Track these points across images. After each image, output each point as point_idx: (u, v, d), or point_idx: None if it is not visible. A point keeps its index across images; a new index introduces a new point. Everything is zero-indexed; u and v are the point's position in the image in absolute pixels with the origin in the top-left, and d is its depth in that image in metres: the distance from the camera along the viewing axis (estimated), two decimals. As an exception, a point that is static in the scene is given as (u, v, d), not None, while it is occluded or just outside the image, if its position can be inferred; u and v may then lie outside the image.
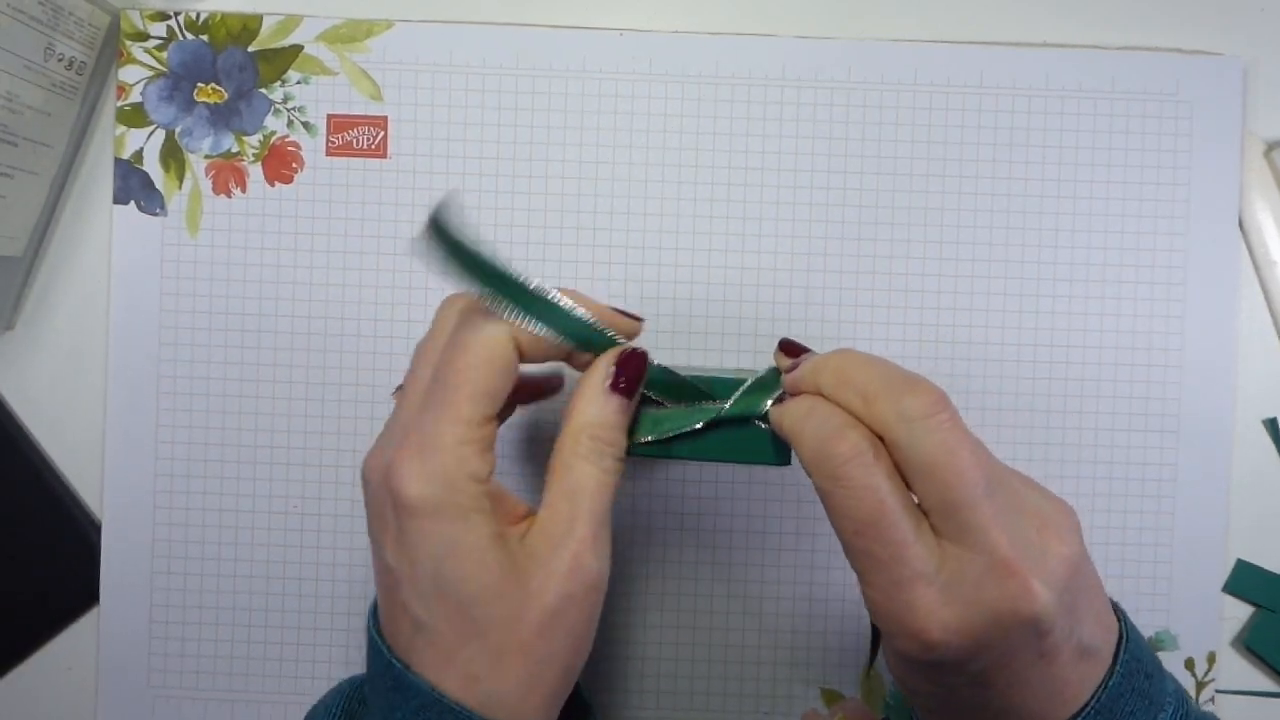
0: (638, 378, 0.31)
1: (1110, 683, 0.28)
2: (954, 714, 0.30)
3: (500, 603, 0.28)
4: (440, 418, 0.29)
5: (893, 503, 0.28)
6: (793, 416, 0.31)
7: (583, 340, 0.31)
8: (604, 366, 0.31)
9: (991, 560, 0.27)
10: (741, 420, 0.32)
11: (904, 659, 0.29)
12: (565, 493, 0.30)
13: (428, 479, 0.28)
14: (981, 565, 0.27)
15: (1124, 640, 0.29)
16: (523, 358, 0.30)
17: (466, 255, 0.30)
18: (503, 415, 0.32)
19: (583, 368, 0.32)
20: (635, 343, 0.32)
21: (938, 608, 0.27)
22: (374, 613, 0.31)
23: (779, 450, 0.33)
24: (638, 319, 0.33)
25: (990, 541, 0.27)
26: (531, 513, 0.31)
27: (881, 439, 0.29)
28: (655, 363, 0.32)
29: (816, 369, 0.31)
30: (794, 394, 0.32)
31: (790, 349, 0.33)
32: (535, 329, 0.30)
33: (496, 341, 0.29)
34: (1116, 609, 0.31)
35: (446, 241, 0.30)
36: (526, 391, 0.35)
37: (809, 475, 0.30)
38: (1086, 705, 0.28)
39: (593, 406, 0.30)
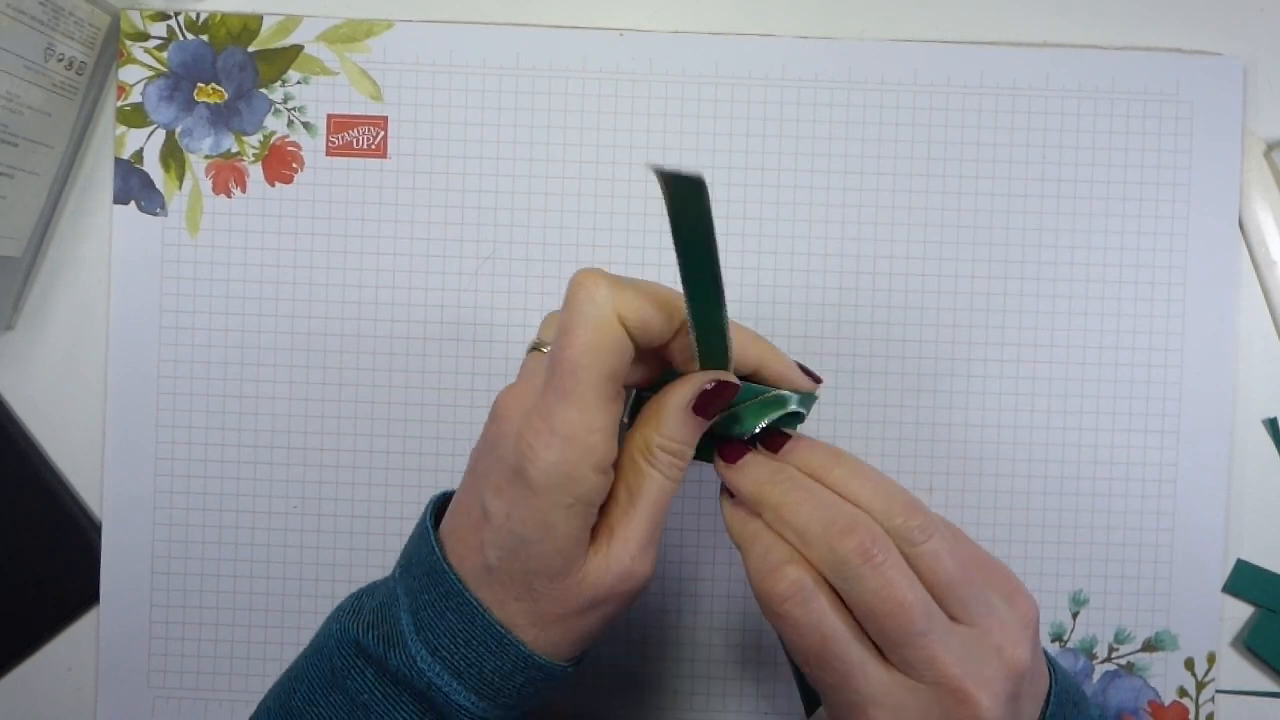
0: (721, 408, 0.31)
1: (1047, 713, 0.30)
2: None
3: (558, 582, 0.30)
4: (568, 405, 0.29)
5: (837, 635, 0.29)
6: (737, 534, 0.32)
7: (708, 351, 0.31)
8: (695, 386, 0.31)
9: (939, 689, 0.28)
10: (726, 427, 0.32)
11: None
12: (630, 494, 0.31)
13: (552, 466, 0.29)
14: (929, 693, 0.28)
15: (1052, 681, 0.31)
16: (631, 330, 0.30)
17: (696, 219, 0.28)
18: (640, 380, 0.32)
19: (674, 357, 0.32)
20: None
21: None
22: (434, 513, 0.33)
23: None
24: (817, 380, 0.33)
25: (937, 671, 0.28)
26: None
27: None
28: None
29: (758, 494, 0.31)
30: (743, 501, 0.32)
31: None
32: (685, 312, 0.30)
33: (604, 323, 0.29)
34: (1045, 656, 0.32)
35: (690, 199, 0.28)
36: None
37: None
38: None
39: (673, 420, 0.31)
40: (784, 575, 0.29)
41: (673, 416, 0.30)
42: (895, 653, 0.29)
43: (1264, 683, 0.43)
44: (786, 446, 0.32)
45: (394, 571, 0.33)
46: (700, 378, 0.31)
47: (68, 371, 0.43)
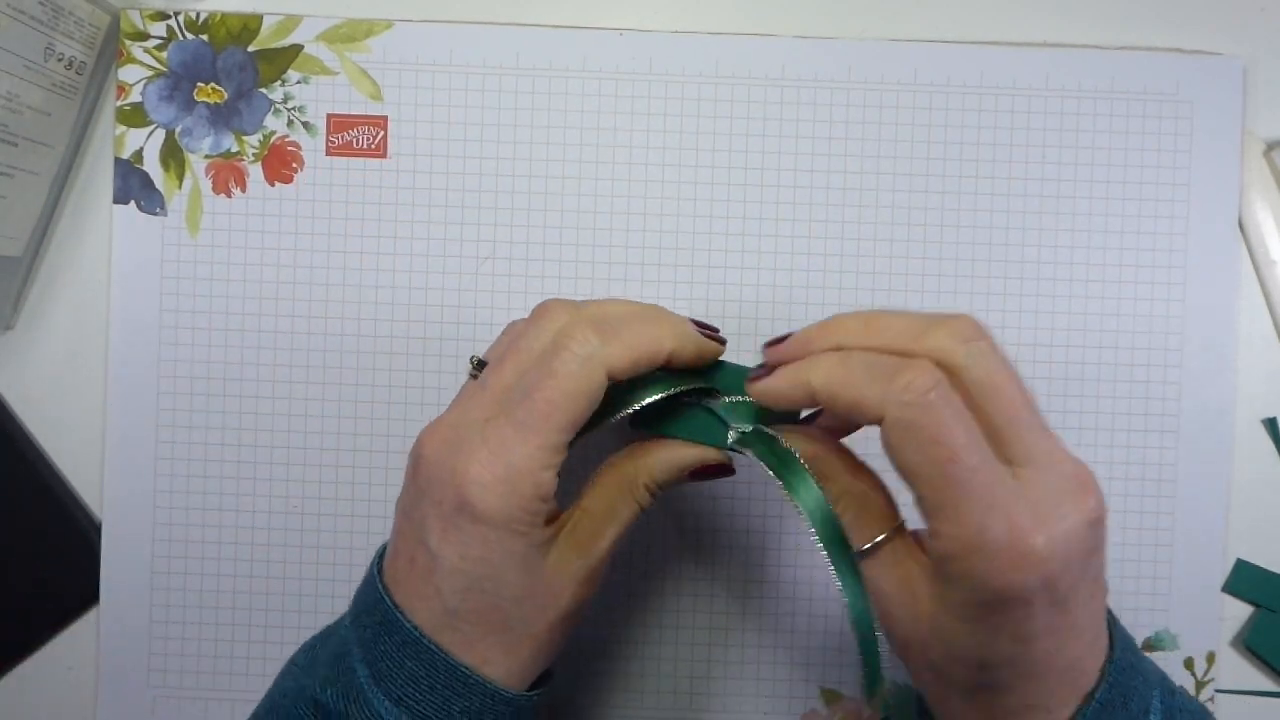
0: (706, 478, 0.33)
1: (1115, 654, 0.29)
2: (990, 675, 0.29)
3: (529, 603, 0.30)
4: (526, 440, 0.29)
5: (975, 426, 0.28)
6: (826, 367, 0.30)
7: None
8: (699, 458, 0.33)
9: (1063, 476, 0.28)
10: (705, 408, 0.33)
11: (980, 601, 0.27)
12: (604, 514, 0.32)
13: (503, 496, 0.29)
14: (1055, 483, 0.27)
15: (1114, 632, 0.30)
16: (612, 379, 0.30)
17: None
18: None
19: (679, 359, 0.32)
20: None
21: (1032, 526, 0.27)
22: (381, 562, 0.32)
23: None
24: (720, 341, 0.34)
25: (1057, 457, 0.28)
26: (558, 512, 0.32)
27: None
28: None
29: (828, 328, 0.31)
30: (794, 359, 0.31)
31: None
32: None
33: (592, 378, 0.30)
34: None
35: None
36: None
37: (860, 422, 0.29)
38: (1104, 672, 0.29)
39: (668, 476, 0.33)
40: (918, 367, 0.28)
41: (669, 474, 0.33)
42: (1019, 439, 0.28)
43: (1264, 683, 0.43)
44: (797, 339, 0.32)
45: (344, 619, 0.33)
46: (708, 454, 0.33)
47: (68, 371, 0.43)
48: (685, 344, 0.32)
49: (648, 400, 0.32)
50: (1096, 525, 0.28)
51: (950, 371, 0.28)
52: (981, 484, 0.27)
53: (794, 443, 0.32)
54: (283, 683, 0.33)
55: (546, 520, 0.31)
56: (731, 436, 0.33)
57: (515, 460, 0.29)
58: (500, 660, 0.30)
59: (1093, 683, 0.29)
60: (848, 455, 0.32)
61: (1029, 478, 0.28)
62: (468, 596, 0.30)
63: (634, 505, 0.33)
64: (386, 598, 0.31)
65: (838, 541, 0.31)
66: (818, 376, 0.30)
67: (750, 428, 0.33)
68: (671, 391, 0.33)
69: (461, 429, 0.30)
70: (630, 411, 0.32)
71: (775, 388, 0.31)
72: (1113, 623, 0.31)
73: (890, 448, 0.28)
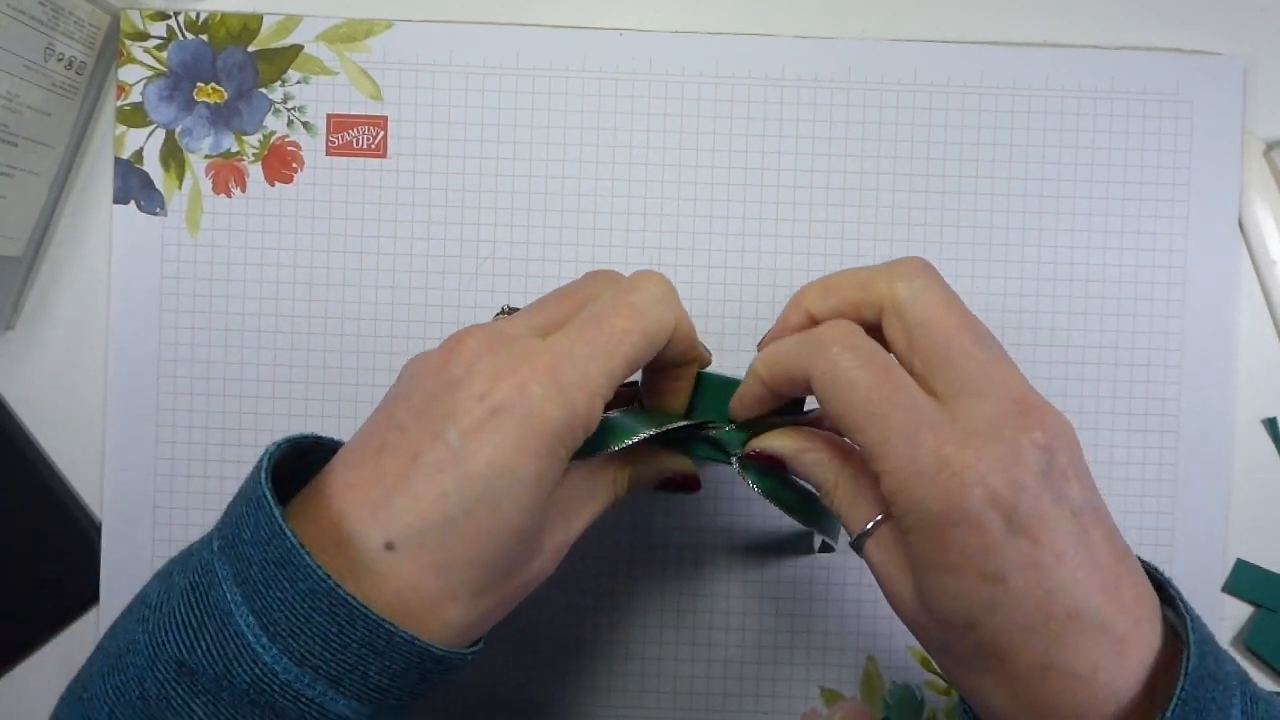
0: (674, 489, 0.34)
1: (1189, 664, 0.26)
2: (983, 632, 0.27)
3: (517, 545, 0.28)
4: (594, 358, 0.28)
5: (895, 362, 0.29)
6: (765, 356, 0.31)
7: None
8: (676, 465, 0.34)
9: (1006, 401, 0.27)
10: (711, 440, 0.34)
11: (933, 539, 0.27)
12: (585, 495, 0.31)
13: (561, 407, 0.27)
14: (993, 408, 0.27)
15: (1186, 613, 0.28)
16: (669, 347, 0.31)
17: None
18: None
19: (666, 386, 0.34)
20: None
21: (959, 446, 0.26)
22: (275, 502, 0.27)
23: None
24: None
25: (1005, 386, 0.28)
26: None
27: (879, 318, 0.30)
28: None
29: (796, 303, 0.32)
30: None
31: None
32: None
33: (664, 320, 0.30)
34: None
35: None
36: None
37: (811, 390, 0.29)
38: (1180, 683, 0.26)
39: (648, 472, 0.33)
40: (831, 326, 0.29)
41: (649, 474, 0.33)
42: (957, 368, 0.28)
43: (1264, 683, 0.43)
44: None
45: (207, 552, 0.27)
46: (687, 466, 0.34)
47: (68, 371, 0.43)
48: (689, 335, 0.33)
49: (653, 432, 0.32)
50: (1049, 450, 0.27)
51: (894, 312, 0.29)
52: (903, 416, 0.27)
53: (785, 438, 0.32)
54: (130, 634, 0.27)
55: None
56: (735, 467, 0.33)
57: (578, 376, 0.27)
58: (463, 603, 0.27)
59: (1149, 648, 0.27)
60: (839, 445, 0.32)
61: (961, 405, 0.28)
62: (474, 511, 0.26)
63: (611, 495, 0.32)
64: (291, 536, 0.26)
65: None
66: (761, 368, 0.31)
67: (740, 452, 0.33)
68: (672, 426, 0.33)
69: (510, 337, 0.28)
70: (632, 442, 0.32)
71: (742, 395, 0.33)
72: (1188, 617, 0.27)
73: (823, 406, 0.29)
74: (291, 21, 0.43)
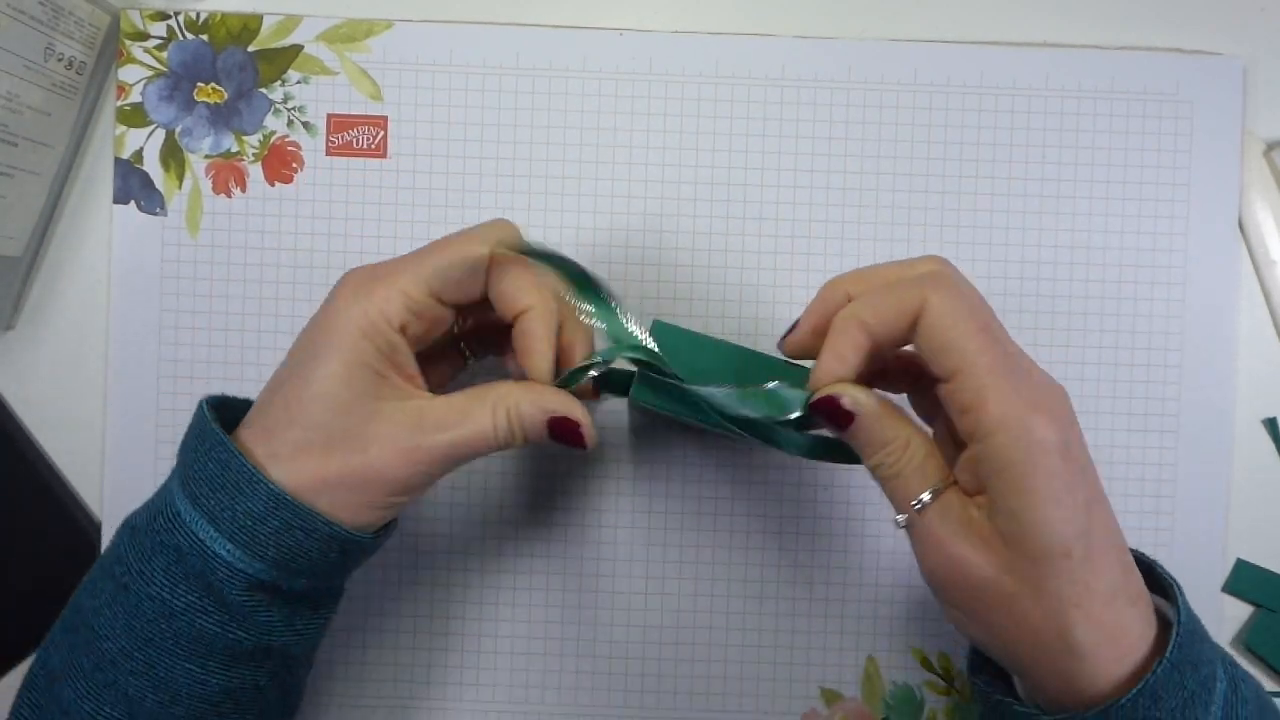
0: (566, 440, 0.34)
1: (1181, 619, 0.30)
2: (1076, 548, 0.30)
3: (342, 415, 0.32)
4: (404, 268, 0.33)
5: None
6: (861, 306, 0.32)
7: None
8: (558, 403, 0.34)
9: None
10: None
11: (1042, 461, 0.29)
12: (459, 413, 0.33)
13: (362, 299, 0.32)
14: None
15: (1179, 596, 0.32)
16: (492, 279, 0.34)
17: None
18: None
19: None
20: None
21: (1044, 394, 0.31)
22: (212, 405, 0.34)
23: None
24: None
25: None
26: (420, 385, 0.34)
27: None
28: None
29: (830, 290, 0.33)
30: (811, 342, 0.33)
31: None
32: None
33: (470, 246, 0.33)
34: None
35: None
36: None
37: (910, 333, 0.32)
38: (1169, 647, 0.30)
39: (532, 406, 0.33)
40: (927, 258, 0.33)
41: (533, 410, 0.33)
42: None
43: (1264, 682, 0.43)
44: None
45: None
46: (571, 408, 0.34)
47: (68, 371, 0.43)
48: (514, 277, 0.34)
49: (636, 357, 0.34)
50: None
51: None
52: (1010, 349, 0.31)
53: (867, 394, 0.32)
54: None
55: (403, 374, 0.33)
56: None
57: (383, 277, 0.33)
58: (281, 464, 0.32)
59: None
60: (907, 415, 0.33)
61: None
62: (288, 381, 0.33)
63: (489, 422, 0.33)
64: (206, 411, 0.33)
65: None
66: (867, 314, 0.32)
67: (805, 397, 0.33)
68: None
69: (371, 266, 0.35)
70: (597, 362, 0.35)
71: (838, 350, 0.32)
72: (1176, 588, 0.32)
73: (934, 337, 0.31)
74: (291, 21, 0.43)
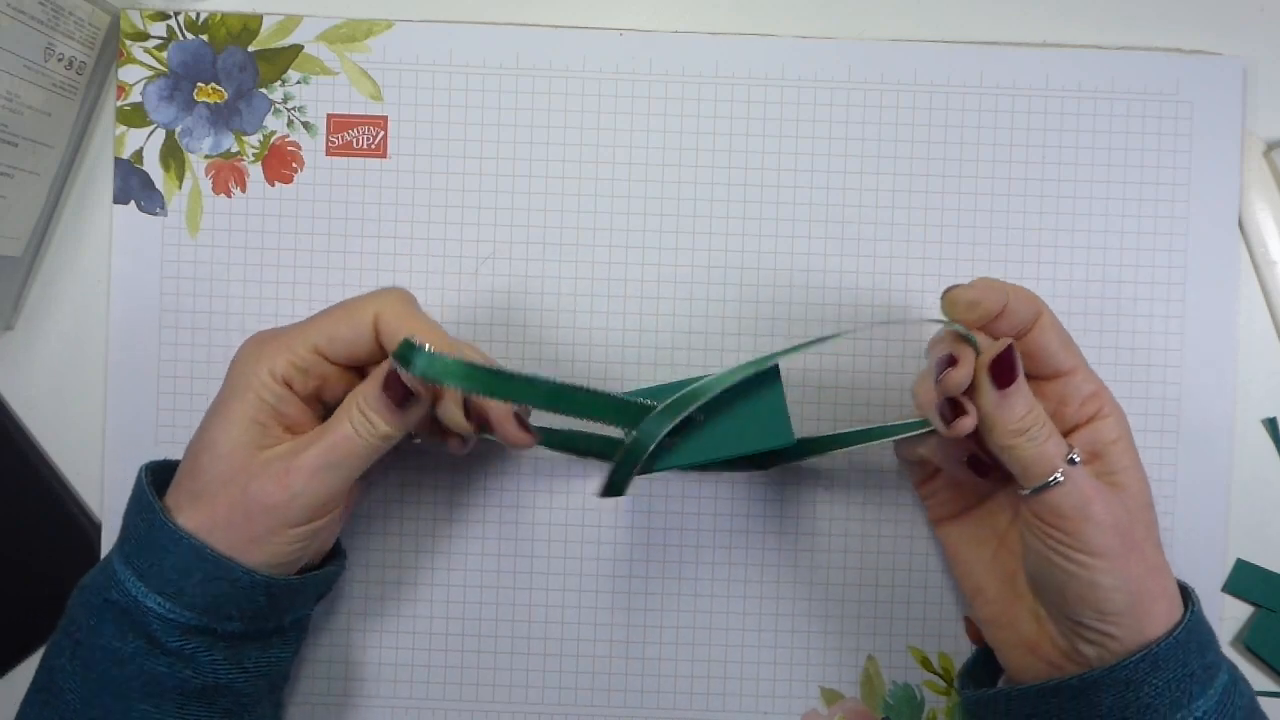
0: (405, 397, 0.35)
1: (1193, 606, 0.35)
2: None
3: (225, 462, 0.35)
4: (294, 331, 0.36)
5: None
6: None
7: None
8: (384, 368, 0.35)
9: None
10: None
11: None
12: (321, 429, 0.35)
13: (255, 360, 0.35)
14: None
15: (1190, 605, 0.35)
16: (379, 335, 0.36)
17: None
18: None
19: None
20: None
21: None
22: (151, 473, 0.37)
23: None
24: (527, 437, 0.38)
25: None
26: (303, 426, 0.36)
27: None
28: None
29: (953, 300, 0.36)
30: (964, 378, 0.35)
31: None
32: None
33: (360, 311, 0.36)
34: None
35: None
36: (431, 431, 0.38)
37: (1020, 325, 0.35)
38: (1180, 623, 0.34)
39: (372, 388, 0.35)
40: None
41: (373, 386, 0.35)
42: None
43: (1264, 683, 0.43)
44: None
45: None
46: (385, 364, 0.35)
47: (68, 371, 0.43)
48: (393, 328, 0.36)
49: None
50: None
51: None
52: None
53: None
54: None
55: (288, 425, 0.36)
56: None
57: (270, 338, 0.36)
58: (185, 514, 0.35)
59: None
60: None
61: None
62: (194, 440, 0.36)
63: (346, 423, 0.35)
64: (143, 476, 0.36)
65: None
66: (1011, 293, 0.35)
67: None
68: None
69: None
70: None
71: (983, 304, 0.35)
72: (1191, 592, 0.36)
73: (1047, 335, 0.36)
74: (291, 21, 0.43)
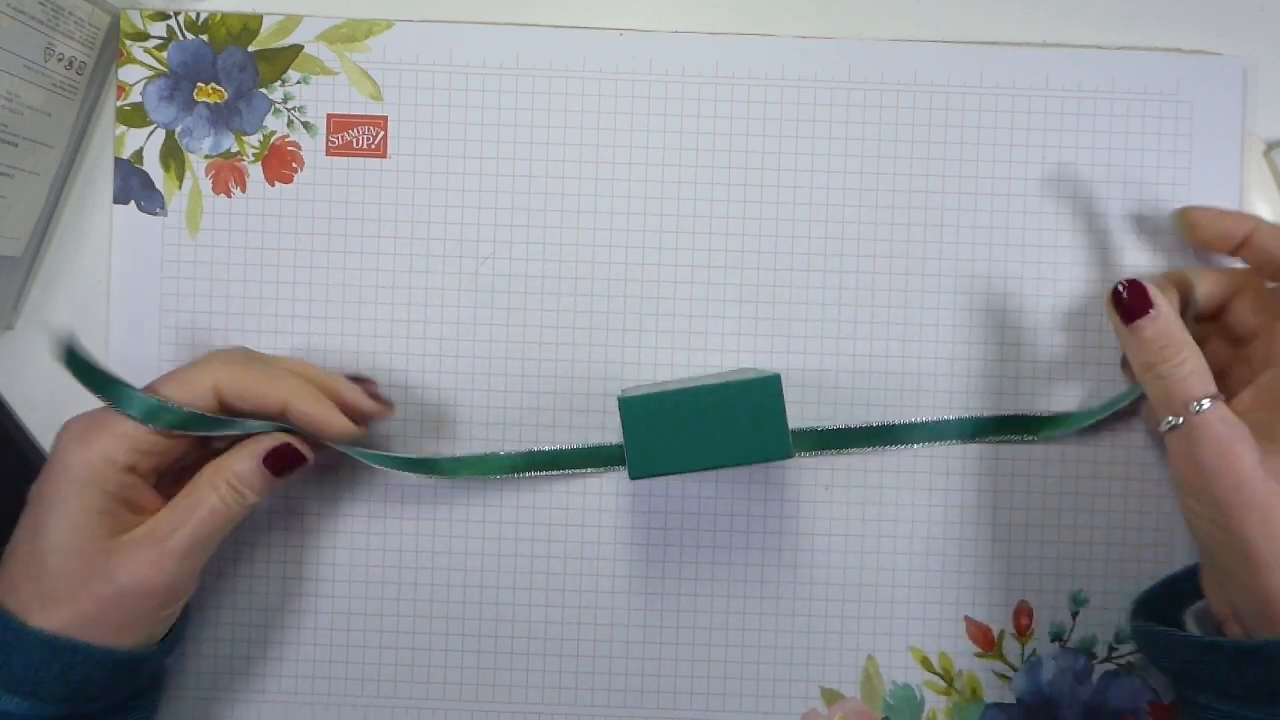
0: (288, 466, 0.36)
1: None
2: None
3: (79, 561, 0.33)
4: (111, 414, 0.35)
5: None
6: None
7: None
8: (267, 444, 0.36)
9: None
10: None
11: None
12: (187, 509, 0.35)
13: (82, 446, 0.34)
14: None
15: None
16: (223, 403, 0.36)
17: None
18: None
19: (297, 419, 0.37)
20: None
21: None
22: None
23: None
24: (382, 407, 0.39)
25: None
26: (159, 508, 0.36)
27: None
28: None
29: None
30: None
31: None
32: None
33: (199, 391, 0.35)
34: None
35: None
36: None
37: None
38: None
39: (241, 461, 0.36)
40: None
41: (244, 463, 0.35)
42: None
43: (1264, 683, 0.43)
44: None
45: None
46: (274, 439, 0.36)
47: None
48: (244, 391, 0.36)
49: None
50: None
51: None
52: None
53: (1165, 299, 0.36)
54: None
55: (138, 509, 0.35)
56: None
57: (105, 421, 0.34)
58: (35, 616, 0.33)
59: None
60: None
61: None
62: (23, 540, 0.34)
63: (215, 498, 0.35)
64: None
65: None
66: (1260, 228, 0.38)
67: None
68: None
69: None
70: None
71: (1227, 229, 0.38)
72: None
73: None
74: (291, 21, 0.43)
